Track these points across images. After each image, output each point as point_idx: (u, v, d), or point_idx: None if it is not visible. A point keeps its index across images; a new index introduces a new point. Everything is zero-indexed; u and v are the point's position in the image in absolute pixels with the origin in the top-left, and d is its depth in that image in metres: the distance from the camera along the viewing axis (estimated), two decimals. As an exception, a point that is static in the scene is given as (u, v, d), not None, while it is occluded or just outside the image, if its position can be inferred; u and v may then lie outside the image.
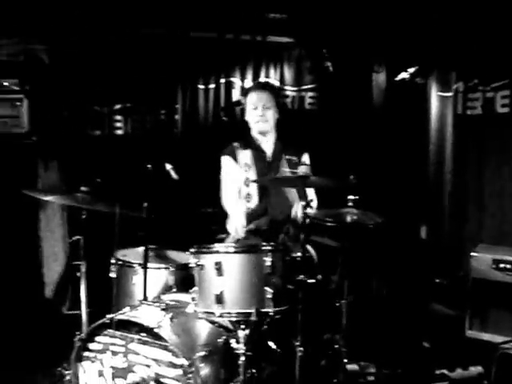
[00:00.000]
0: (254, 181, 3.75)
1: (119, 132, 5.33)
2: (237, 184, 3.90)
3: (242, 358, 2.96)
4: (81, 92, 5.16)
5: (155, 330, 2.91)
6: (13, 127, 4.67)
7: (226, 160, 3.94)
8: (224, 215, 3.93)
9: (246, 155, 3.88)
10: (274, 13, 5.03)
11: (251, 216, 3.81)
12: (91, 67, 5.11)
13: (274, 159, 3.89)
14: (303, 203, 3.04)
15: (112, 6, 4.89)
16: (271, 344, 3.30)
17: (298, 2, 4.94)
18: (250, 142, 3.93)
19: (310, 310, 3.11)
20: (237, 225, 3.61)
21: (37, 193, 3.65)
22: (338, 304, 3.50)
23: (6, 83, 4.63)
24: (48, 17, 4.78)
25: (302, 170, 3.11)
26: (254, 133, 3.93)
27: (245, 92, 4.01)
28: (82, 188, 3.36)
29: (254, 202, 3.84)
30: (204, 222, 4.28)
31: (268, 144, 3.93)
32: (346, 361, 3.52)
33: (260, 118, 3.83)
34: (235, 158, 3.90)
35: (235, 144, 3.92)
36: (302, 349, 3.03)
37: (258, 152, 3.90)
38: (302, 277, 3.00)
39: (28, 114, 4.66)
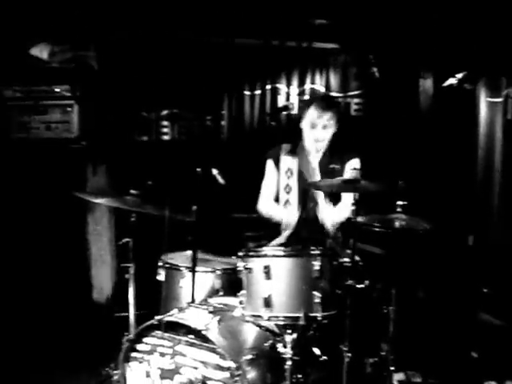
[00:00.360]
0: (308, 185, 3.71)
1: (166, 137, 5.40)
2: (273, 188, 3.91)
3: (289, 363, 2.96)
4: (129, 98, 5.25)
5: (203, 332, 2.92)
6: (63, 132, 4.77)
7: (268, 163, 3.95)
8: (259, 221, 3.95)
9: (290, 161, 3.85)
10: (319, 19, 5.02)
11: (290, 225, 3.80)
12: (139, 74, 5.20)
13: (320, 169, 3.83)
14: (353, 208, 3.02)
15: (161, 13, 4.96)
16: (316, 350, 3.28)
17: (343, 8, 4.92)
18: (298, 147, 3.89)
19: (356, 315, 3.08)
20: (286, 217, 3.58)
21: (88, 195, 3.71)
22: (385, 311, 3.46)
23: (57, 89, 4.74)
24: (98, 24, 4.89)
25: (352, 174, 3.09)
26: (307, 144, 3.85)
27: (306, 102, 3.94)
28: (132, 191, 3.42)
29: (293, 210, 3.81)
30: (239, 227, 4.30)
31: (317, 154, 3.86)
32: (392, 369, 3.47)
33: (317, 138, 3.76)
34: (277, 162, 3.88)
35: (283, 146, 3.90)
36: (350, 354, 3.00)
37: (303, 159, 3.85)
38: (350, 282, 2.98)
39: (78, 119, 4.76)
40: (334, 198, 3.73)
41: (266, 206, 3.96)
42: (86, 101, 4.82)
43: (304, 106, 3.94)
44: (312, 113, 3.77)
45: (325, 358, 3.25)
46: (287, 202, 3.83)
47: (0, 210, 4.71)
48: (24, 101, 4.79)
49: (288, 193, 3.84)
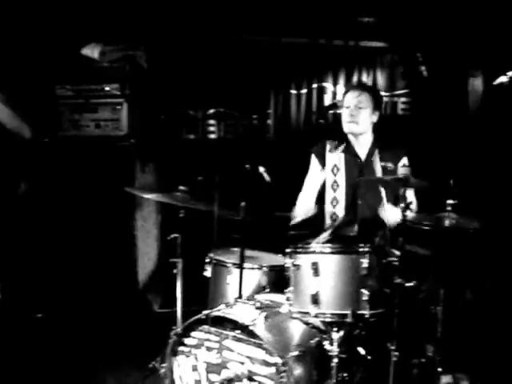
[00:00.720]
0: (358, 182, 3.68)
1: (212, 136, 5.45)
2: (315, 184, 3.90)
3: (335, 360, 2.95)
4: (177, 97, 5.33)
5: (250, 328, 2.93)
6: (113, 130, 4.85)
7: (312, 159, 3.93)
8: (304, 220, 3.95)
9: (336, 157, 3.82)
10: (367, 17, 5.00)
11: (338, 221, 3.77)
12: (187, 73, 5.27)
13: (368, 164, 3.78)
14: (402, 205, 2.99)
15: (209, 13, 5.02)
16: (361, 350, 3.26)
17: (390, 6, 4.89)
18: (343, 144, 3.83)
19: (404, 315, 3.05)
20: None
21: (138, 190, 3.76)
22: (433, 311, 3.41)
23: (107, 88, 4.83)
24: (148, 24, 4.97)
25: (402, 171, 3.06)
26: (349, 135, 3.84)
27: (344, 92, 3.95)
28: (181, 187, 3.46)
29: (340, 207, 3.80)
30: (285, 225, 4.30)
31: (362, 148, 3.82)
32: (439, 371, 3.43)
33: (350, 117, 3.71)
34: (322, 159, 3.86)
35: (328, 142, 3.87)
36: (397, 353, 2.97)
37: (350, 155, 3.81)
38: (399, 280, 2.95)
39: (127, 117, 4.83)
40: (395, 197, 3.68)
41: (301, 200, 3.95)
42: (135, 99, 4.89)
43: (344, 94, 3.91)
44: (347, 96, 3.80)
45: (369, 357, 3.23)
46: (334, 199, 3.81)
47: (51, 206, 4.80)
48: (75, 99, 4.89)
49: (335, 190, 3.81)
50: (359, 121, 3.72)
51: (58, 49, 4.91)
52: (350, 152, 3.82)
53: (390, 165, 3.72)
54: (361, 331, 3.21)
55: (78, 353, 4.35)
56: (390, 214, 3.43)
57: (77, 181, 4.89)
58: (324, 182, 3.87)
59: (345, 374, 3.05)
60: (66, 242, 4.87)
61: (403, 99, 5.30)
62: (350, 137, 3.85)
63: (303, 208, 3.94)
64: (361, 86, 3.99)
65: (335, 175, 3.81)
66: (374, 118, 3.80)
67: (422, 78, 5.06)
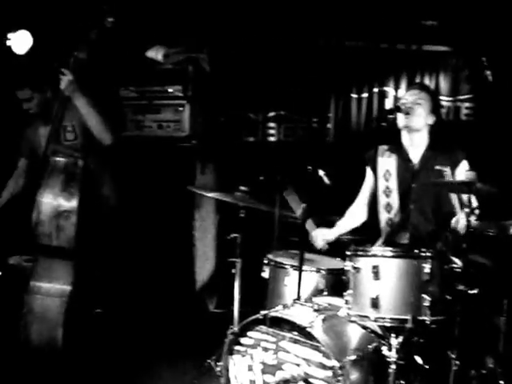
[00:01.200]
0: (410, 186, 3.61)
1: (272, 139, 5.48)
2: (365, 193, 3.90)
3: (393, 367, 2.91)
4: (237, 99, 5.38)
5: (307, 330, 2.92)
6: (175, 131, 4.93)
7: (367, 168, 3.92)
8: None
9: (388, 162, 3.76)
10: (430, 20, 4.92)
11: (391, 227, 3.74)
12: (248, 75, 5.31)
13: (422, 169, 3.67)
14: (467, 211, 2.93)
15: (267, 17, 5.05)
16: (418, 358, 3.20)
17: (454, 9, 4.80)
18: (396, 147, 3.78)
19: (465, 323, 2.99)
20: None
21: (200, 189, 3.81)
22: (495, 322, 3.32)
23: (170, 90, 4.91)
24: (211, 26, 5.04)
25: (468, 175, 2.99)
26: (403, 136, 3.76)
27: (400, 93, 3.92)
28: (242, 187, 3.48)
29: (395, 212, 3.73)
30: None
31: (416, 152, 3.72)
32: (501, 383, 3.33)
33: (406, 110, 3.62)
34: (374, 165, 3.82)
35: (380, 147, 3.82)
36: (458, 362, 2.91)
37: (403, 160, 3.73)
38: (461, 287, 2.89)
39: (189, 119, 4.90)
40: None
41: (350, 210, 3.97)
42: (196, 101, 4.96)
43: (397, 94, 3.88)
44: (404, 95, 3.79)
45: (426, 367, 3.16)
46: (388, 204, 3.76)
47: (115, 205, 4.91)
48: (138, 100, 5.00)
49: (388, 195, 3.76)
50: (415, 115, 3.63)
51: (122, 51, 5.03)
52: (402, 156, 3.75)
53: (446, 169, 3.58)
54: (420, 338, 3.16)
55: (135, 349, 4.44)
56: (463, 223, 3.31)
57: (138, 181, 4.99)
58: (377, 187, 3.84)
59: (402, 382, 3.00)
60: (127, 241, 4.96)
61: (467, 104, 5.18)
62: (404, 139, 3.76)
63: (349, 217, 3.97)
64: (420, 85, 3.96)
65: (387, 181, 3.75)
66: (430, 120, 3.70)
67: (486, 83, 4.93)
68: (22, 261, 3.81)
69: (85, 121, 3.87)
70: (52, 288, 3.62)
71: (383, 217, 3.81)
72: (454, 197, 3.43)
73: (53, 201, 3.60)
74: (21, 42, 4.53)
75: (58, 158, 3.68)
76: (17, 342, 3.60)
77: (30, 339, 3.58)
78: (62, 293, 3.61)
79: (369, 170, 3.89)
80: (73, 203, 3.60)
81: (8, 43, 4.56)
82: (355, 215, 3.97)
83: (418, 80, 5.22)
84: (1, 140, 4.50)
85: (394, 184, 3.73)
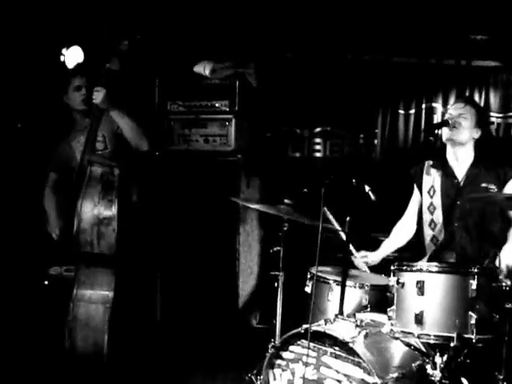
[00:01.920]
0: (471, 199, 3.51)
1: (318, 154, 5.47)
2: (412, 210, 3.85)
3: (437, 386, 2.83)
4: (284, 115, 5.40)
5: (350, 345, 2.88)
6: (221, 145, 4.97)
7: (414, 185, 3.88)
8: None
9: (433, 178, 3.72)
10: (480, 35, 4.84)
11: (436, 245, 3.69)
12: (294, 91, 5.33)
13: (467, 185, 3.61)
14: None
15: (315, 33, 5.06)
16: (464, 381, 3.10)
17: (504, 23, 4.70)
18: (441, 163, 3.73)
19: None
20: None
21: (244, 201, 3.82)
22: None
23: (217, 104, 4.96)
24: (258, 41, 5.08)
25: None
26: (447, 152, 3.72)
27: (446, 108, 3.87)
28: (286, 200, 3.48)
29: (438, 230, 3.68)
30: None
31: (461, 168, 3.67)
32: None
33: (451, 124, 3.58)
34: (419, 181, 3.79)
35: (426, 163, 3.78)
36: (506, 383, 2.81)
37: (447, 176, 3.68)
38: (510, 306, 2.79)
39: (235, 133, 4.93)
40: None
41: (397, 226, 3.95)
42: (243, 116, 4.99)
43: (446, 110, 3.83)
44: (450, 109, 3.74)
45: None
46: (432, 221, 3.70)
47: (161, 218, 4.97)
48: (186, 115, 5.05)
49: (432, 212, 3.71)
50: (459, 127, 3.59)
51: (170, 66, 5.12)
52: (446, 172, 3.70)
53: (492, 187, 3.53)
54: (466, 359, 3.07)
55: (177, 362, 4.47)
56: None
57: (185, 194, 5.03)
58: (421, 204, 3.80)
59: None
60: (173, 253, 5.02)
61: (518, 121, 5.07)
62: (449, 155, 3.72)
63: (394, 237, 3.96)
64: (465, 99, 3.98)
65: (432, 197, 3.71)
66: (476, 134, 3.66)
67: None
68: (63, 271, 3.89)
69: (121, 130, 3.98)
70: (94, 295, 3.69)
71: (427, 234, 3.77)
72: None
73: (93, 209, 3.69)
74: (73, 57, 4.67)
75: (94, 168, 3.77)
76: (62, 350, 3.66)
77: (76, 346, 3.65)
78: (105, 299, 3.67)
79: (415, 187, 3.86)
80: (112, 211, 3.69)
81: (62, 59, 4.70)
82: (401, 234, 3.94)
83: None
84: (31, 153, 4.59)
85: (438, 201, 3.69)
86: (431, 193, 3.72)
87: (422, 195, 3.80)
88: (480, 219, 3.57)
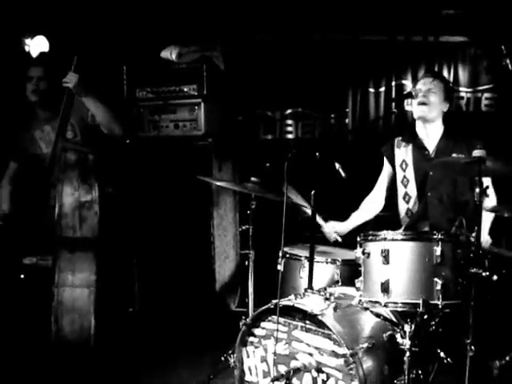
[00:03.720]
0: (436, 163, 3.49)
1: (290, 136, 5.46)
2: (382, 184, 3.90)
3: (407, 354, 2.84)
4: (254, 97, 5.38)
5: (319, 318, 2.87)
6: (191, 130, 4.94)
7: (384, 160, 3.93)
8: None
9: (404, 152, 3.77)
10: (447, 9, 4.85)
11: (411, 217, 3.73)
12: (264, 73, 5.32)
13: (437, 157, 3.63)
14: (478, 191, 2.84)
15: (281, 13, 5.05)
16: (440, 352, 3.12)
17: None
18: (411, 137, 3.77)
19: (482, 309, 2.90)
20: None
21: (212, 179, 3.81)
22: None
23: (185, 89, 4.93)
24: (224, 25, 5.05)
25: (477, 153, 2.91)
26: (418, 128, 3.76)
27: (416, 82, 3.89)
28: (252, 178, 3.48)
29: (413, 202, 3.73)
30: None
31: (431, 141, 3.72)
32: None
33: (421, 99, 3.61)
34: (391, 156, 3.83)
35: (396, 139, 3.82)
36: (473, 348, 2.82)
37: (418, 149, 3.73)
38: (475, 270, 2.79)
39: (205, 117, 4.90)
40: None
41: (367, 199, 3.98)
42: (212, 100, 4.96)
43: (415, 84, 3.84)
44: (418, 84, 3.75)
45: (449, 360, 3.09)
46: (406, 194, 3.74)
47: (133, 205, 4.94)
48: (154, 101, 5.02)
49: (405, 185, 3.77)
50: (430, 103, 3.63)
51: (137, 52, 5.08)
52: (417, 146, 3.74)
53: (461, 155, 3.51)
54: (437, 327, 3.09)
55: (155, 346, 4.48)
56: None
57: (157, 180, 5.01)
58: (395, 178, 3.84)
59: (419, 372, 2.93)
60: (148, 239, 5.00)
61: (487, 95, 5.10)
62: (419, 129, 3.76)
63: (363, 210, 3.98)
64: (432, 73, 4.00)
65: (404, 171, 3.77)
66: (445, 107, 3.70)
67: (507, 72, 4.84)
68: (37, 260, 3.87)
69: (91, 117, 3.98)
70: (78, 279, 3.67)
71: (402, 207, 3.82)
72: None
73: (73, 193, 3.70)
74: (37, 46, 4.62)
75: (68, 154, 3.75)
76: (48, 337, 3.64)
77: (63, 330, 3.64)
78: (89, 282, 3.67)
79: (386, 162, 3.91)
80: (93, 194, 3.70)
81: (26, 48, 4.65)
82: (369, 207, 3.99)
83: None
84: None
85: (411, 174, 3.73)
86: (403, 166, 3.77)
87: (394, 170, 3.84)
88: (452, 189, 3.62)
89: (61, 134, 3.84)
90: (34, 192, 3.90)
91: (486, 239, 3.46)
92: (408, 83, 5.21)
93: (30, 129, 4.14)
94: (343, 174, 3.55)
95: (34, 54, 4.52)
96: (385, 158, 3.92)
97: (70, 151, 3.78)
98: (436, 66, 5.18)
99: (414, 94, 3.53)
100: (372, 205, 3.96)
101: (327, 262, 3.55)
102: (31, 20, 4.76)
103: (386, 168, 3.93)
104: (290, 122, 5.47)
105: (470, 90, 5.12)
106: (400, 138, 3.84)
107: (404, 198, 3.78)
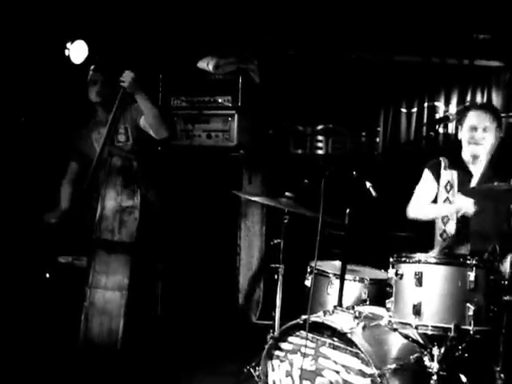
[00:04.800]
0: (467, 189, 3.50)
1: (320, 152, 5.48)
2: (428, 196, 3.79)
3: (434, 378, 2.84)
4: (287, 112, 5.42)
5: (348, 336, 2.89)
6: (223, 140, 4.98)
7: (426, 173, 3.84)
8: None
9: (450, 174, 3.73)
10: (483, 34, 4.86)
11: (446, 240, 3.70)
12: (297, 88, 5.35)
13: (482, 183, 3.62)
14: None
15: (319, 30, 5.08)
16: (463, 377, 3.11)
17: (507, 23, 4.70)
18: (457, 162, 3.74)
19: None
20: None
21: (245, 194, 3.85)
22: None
23: (220, 100, 4.98)
24: (261, 38, 5.11)
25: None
26: (465, 155, 3.73)
27: (463, 109, 3.84)
28: (287, 193, 3.50)
29: (452, 225, 3.68)
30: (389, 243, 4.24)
31: (477, 168, 3.69)
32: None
33: (476, 140, 3.59)
34: (437, 174, 3.77)
35: (441, 159, 3.78)
36: (503, 375, 2.82)
37: (464, 174, 3.70)
38: (508, 297, 2.80)
39: (237, 129, 4.95)
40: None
41: (415, 207, 3.85)
42: (245, 112, 5.01)
43: (462, 111, 3.81)
44: (471, 116, 3.67)
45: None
46: (445, 216, 3.71)
47: (164, 212, 4.98)
48: (189, 110, 5.07)
49: None
50: (485, 143, 3.61)
51: (175, 62, 5.15)
52: (463, 170, 3.71)
53: (502, 184, 3.54)
54: (464, 352, 3.07)
55: (177, 356, 4.45)
56: None
57: (187, 189, 5.05)
58: (436, 197, 3.79)
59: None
60: (175, 247, 5.01)
61: (521, 120, 5.08)
62: (465, 155, 3.74)
63: (417, 208, 3.86)
64: (486, 107, 3.90)
65: (448, 192, 3.72)
66: (495, 141, 3.67)
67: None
68: (73, 259, 3.92)
69: (142, 118, 3.98)
70: (111, 281, 3.71)
71: (438, 228, 3.78)
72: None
73: (116, 197, 3.76)
74: (78, 51, 4.69)
75: (114, 159, 3.81)
76: (76, 336, 3.68)
77: (91, 331, 3.67)
78: (121, 286, 3.70)
79: (431, 177, 3.82)
80: (135, 200, 3.76)
81: (66, 52, 4.73)
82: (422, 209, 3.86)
83: (469, 95, 5.17)
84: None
85: (454, 196, 3.69)
86: (448, 188, 3.73)
87: (439, 188, 3.78)
88: (494, 217, 3.57)
89: (109, 137, 3.89)
90: (78, 194, 3.97)
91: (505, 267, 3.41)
92: (441, 105, 5.20)
93: (89, 130, 4.20)
94: (374, 193, 3.56)
95: (75, 59, 4.58)
96: (429, 173, 3.83)
97: (116, 156, 3.84)
98: (469, 90, 5.17)
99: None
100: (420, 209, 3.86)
101: (355, 280, 3.57)
102: (72, 24, 4.83)
103: (430, 183, 3.82)
104: (320, 137, 5.49)
105: (503, 115, 5.08)
106: (446, 160, 3.78)
107: (443, 220, 3.73)
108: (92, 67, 4.16)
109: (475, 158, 3.68)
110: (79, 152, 4.23)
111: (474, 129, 3.62)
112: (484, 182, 3.62)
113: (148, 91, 3.90)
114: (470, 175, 3.71)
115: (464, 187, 3.66)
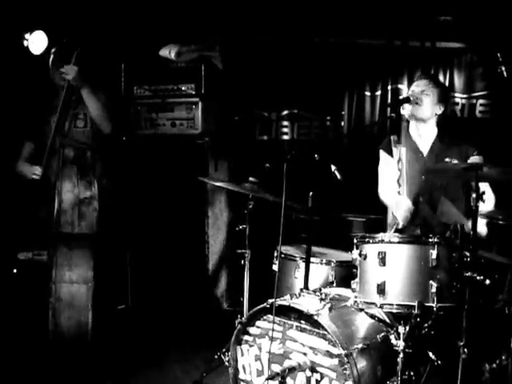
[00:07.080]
0: (431, 169, 3.54)
1: (286, 137, 5.48)
2: (393, 175, 3.76)
3: (401, 355, 2.88)
4: (251, 98, 5.40)
5: (314, 318, 2.90)
6: (188, 128, 4.95)
7: (381, 153, 3.87)
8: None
9: (399, 151, 3.70)
10: (444, 16, 4.89)
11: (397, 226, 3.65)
12: (261, 74, 5.33)
13: (430, 160, 3.67)
14: (474, 196, 2.87)
15: (279, 15, 5.06)
16: (431, 354, 3.15)
17: (468, 4, 4.75)
18: (405, 139, 3.77)
19: (476, 312, 2.94)
20: (404, 212, 3.49)
21: (210, 179, 3.84)
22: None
23: (183, 88, 4.94)
24: (223, 25, 5.07)
25: (474, 159, 2.95)
26: (411, 127, 3.78)
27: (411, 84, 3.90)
28: (251, 178, 3.50)
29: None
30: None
31: (425, 144, 3.74)
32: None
33: (414, 99, 3.61)
34: (390, 152, 3.77)
35: (392, 137, 3.76)
36: (466, 351, 2.86)
37: (412, 151, 3.72)
38: (469, 273, 2.83)
39: (202, 116, 4.92)
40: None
41: (381, 193, 3.89)
42: (209, 99, 4.98)
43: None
44: (412, 85, 3.76)
45: (439, 362, 3.12)
46: (398, 193, 3.74)
47: (128, 203, 4.94)
48: (152, 99, 5.03)
49: (400, 185, 3.74)
50: (422, 104, 3.64)
51: (136, 51, 5.09)
52: (411, 147, 3.73)
53: (455, 161, 3.53)
54: (430, 330, 3.12)
55: (147, 344, 4.49)
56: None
57: (153, 178, 5.02)
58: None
59: (411, 373, 2.97)
60: (143, 236, 5.00)
61: (482, 101, 5.13)
62: (412, 130, 3.78)
63: (383, 194, 3.89)
64: (427, 76, 4.00)
65: (399, 169, 3.73)
66: (438, 110, 3.72)
67: (502, 79, 4.89)
68: (33, 255, 3.87)
69: (87, 109, 3.96)
70: (75, 275, 3.70)
71: (390, 213, 3.81)
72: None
73: (72, 189, 3.72)
74: (37, 42, 4.61)
75: (67, 151, 3.76)
76: (46, 332, 3.68)
77: (60, 326, 3.68)
78: (86, 278, 3.71)
79: (387, 156, 3.84)
80: (92, 191, 3.73)
81: (25, 43, 4.64)
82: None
83: (432, 77, 5.20)
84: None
85: (404, 173, 3.70)
86: (399, 165, 3.74)
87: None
88: (442, 194, 3.62)
89: (59, 128, 3.84)
90: (31, 187, 3.90)
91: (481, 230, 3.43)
92: (404, 87, 5.23)
93: (49, 112, 4.10)
94: (339, 177, 3.58)
95: (34, 49, 4.50)
96: (385, 153, 3.85)
97: (68, 147, 3.78)
98: (432, 71, 5.19)
99: (408, 98, 3.54)
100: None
101: (322, 263, 3.61)
102: (30, 15, 4.75)
103: (388, 162, 3.83)
104: (286, 123, 5.48)
105: (465, 96, 5.15)
106: (395, 138, 3.77)
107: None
108: (54, 50, 4.09)
109: (416, 119, 3.71)
110: (39, 131, 4.11)
111: (413, 91, 3.69)
112: (433, 157, 3.67)
113: (104, 82, 3.86)
114: (419, 152, 3.74)
115: (412, 164, 3.68)
